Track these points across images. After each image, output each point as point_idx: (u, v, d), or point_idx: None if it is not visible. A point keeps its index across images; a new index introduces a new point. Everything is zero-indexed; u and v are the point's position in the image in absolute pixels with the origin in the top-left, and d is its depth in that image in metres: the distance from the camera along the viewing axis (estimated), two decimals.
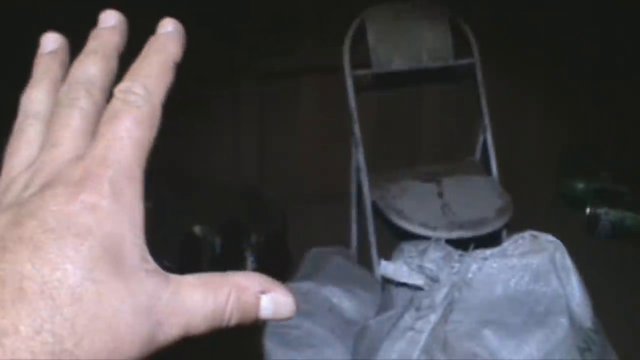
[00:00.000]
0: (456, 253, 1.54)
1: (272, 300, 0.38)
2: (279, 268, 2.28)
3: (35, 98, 0.41)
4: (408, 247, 1.60)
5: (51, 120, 0.39)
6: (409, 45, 2.35)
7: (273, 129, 2.82)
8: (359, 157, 2.31)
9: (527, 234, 1.50)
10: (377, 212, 2.27)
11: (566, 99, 3.04)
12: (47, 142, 0.38)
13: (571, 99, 3.04)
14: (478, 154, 2.50)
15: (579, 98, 3.05)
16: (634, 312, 2.38)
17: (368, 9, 2.35)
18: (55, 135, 0.38)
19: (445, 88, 2.88)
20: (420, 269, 1.53)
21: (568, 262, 1.46)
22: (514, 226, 2.21)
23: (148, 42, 0.41)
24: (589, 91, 3.05)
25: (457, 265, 1.49)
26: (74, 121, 0.38)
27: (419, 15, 2.37)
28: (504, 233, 2.27)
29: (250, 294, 0.38)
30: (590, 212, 2.83)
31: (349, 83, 2.31)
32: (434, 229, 2.10)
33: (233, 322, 0.37)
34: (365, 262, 2.28)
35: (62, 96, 0.40)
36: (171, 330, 0.35)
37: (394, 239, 2.18)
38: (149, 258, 0.36)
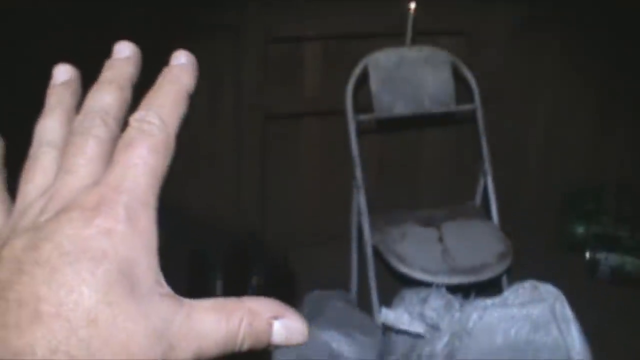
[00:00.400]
0: (457, 301, 1.55)
1: (284, 326, 0.39)
2: None
3: (49, 127, 0.42)
4: (409, 295, 1.61)
5: (66, 147, 0.40)
6: (411, 91, 2.37)
7: (275, 170, 2.83)
8: (361, 200, 2.31)
9: (528, 283, 1.51)
10: (378, 255, 2.27)
11: (567, 142, 3.06)
12: (62, 168, 0.39)
13: (572, 143, 3.06)
14: (478, 199, 2.51)
15: (580, 141, 3.07)
16: (635, 356, 2.38)
17: (371, 54, 2.37)
18: (70, 162, 0.39)
19: (446, 132, 2.90)
20: (421, 316, 1.54)
21: (568, 312, 1.47)
22: (515, 271, 2.21)
23: (162, 73, 0.42)
24: (590, 134, 3.07)
25: (457, 314, 1.50)
26: (89, 148, 0.39)
27: (421, 61, 2.40)
28: (505, 278, 2.27)
29: (262, 319, 0.38)
30: (589, 257, 2.83)
31: (352, 127, 2.32)
32: (435, 274, 2.09)
33: (245, 347, 0.37)
34: (365, 305, 2.27)
35: (77, 125, 0.40)
36: (183, 354, 0.35)
37: (394, 281, 2.18)
38: (163, 282, 0.36)
